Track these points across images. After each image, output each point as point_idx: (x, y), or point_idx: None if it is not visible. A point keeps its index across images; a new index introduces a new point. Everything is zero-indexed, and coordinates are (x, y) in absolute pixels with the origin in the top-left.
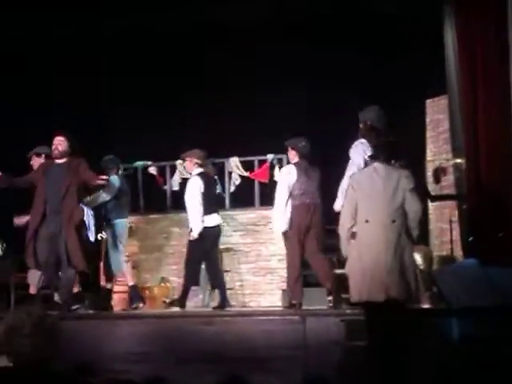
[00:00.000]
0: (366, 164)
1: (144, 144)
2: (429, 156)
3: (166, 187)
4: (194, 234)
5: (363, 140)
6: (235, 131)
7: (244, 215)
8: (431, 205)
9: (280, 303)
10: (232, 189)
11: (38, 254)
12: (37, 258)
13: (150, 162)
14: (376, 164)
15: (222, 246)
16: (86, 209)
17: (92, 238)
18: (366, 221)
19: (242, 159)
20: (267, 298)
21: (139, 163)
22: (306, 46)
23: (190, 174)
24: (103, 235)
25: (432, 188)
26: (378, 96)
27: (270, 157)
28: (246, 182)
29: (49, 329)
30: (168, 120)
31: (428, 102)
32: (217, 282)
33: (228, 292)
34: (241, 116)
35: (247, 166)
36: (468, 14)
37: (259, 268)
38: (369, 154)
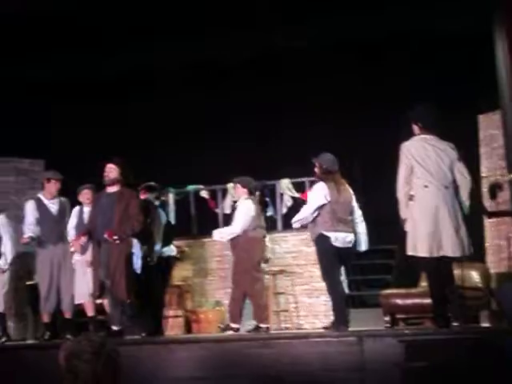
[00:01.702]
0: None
1: (196, 168)
2: (483, 172)
3: (218, 210)
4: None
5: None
6: (286, 153)
7: (296, 237)
8: (487, 221)
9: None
10: (284, 210)
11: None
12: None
13: (201, 186)
14: (425, 135)
15: (274, 268)
16: (134, 240)
17: (139, 271)
18: (425, 186)
19: (294, 180)
20: (322, 320)
21: (191, 187)
22: (354, 68)
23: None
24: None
25: (488, 204)
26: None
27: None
28: (298, 204)
29: (108, 355)
30: (219, 143)
31: (481, 117)
32: None
33: (282, 314)
34: (291, 138)
35: (299, 187)
36: None
37: (313, 289)
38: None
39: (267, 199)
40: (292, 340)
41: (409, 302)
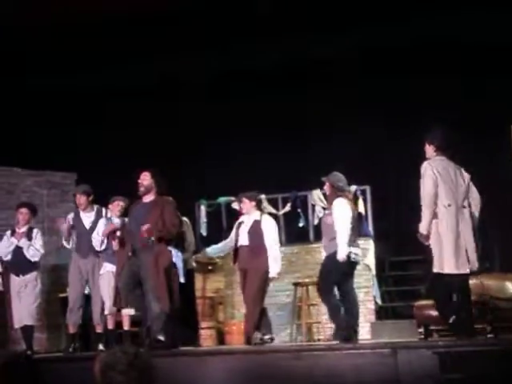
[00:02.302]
0: None
1: (227, 180)
2: None
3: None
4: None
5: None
6: (317, 163)
7: None
8: None
9: (369, 336)
10: (315, 221)
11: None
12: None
13: (233, 198)
14: (441, 156)
15: (307, 280)
16: (173, 250)
17: (182, 279)
18: (449, 205)
19: (325, 191)
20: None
21: (223, 199)
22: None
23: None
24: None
25: None
26: (463, 123)
27: (353, 188)
28: None
29: (143, 366)
30: (251, 155)
31: None
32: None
33: (315, 326)
34: (323, 148)
35: None
36: None
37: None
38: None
39: (299, 210)
40: (325, 352)
41: None
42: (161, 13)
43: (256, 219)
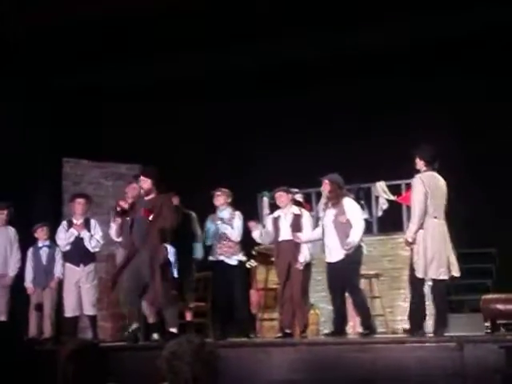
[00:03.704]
0: None
1: (290, 171)
2: None
3: (313, 213)
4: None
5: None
6: (381, 155)
7: (393, 240)
8: None
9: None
10: (379, 213)
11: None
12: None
13: (296, 190)
14: (430, 171)
15: (370, 272)
16: (168, 246)
17: (175, 274)
18: (435, 217)
19: (389, 183)
20: None
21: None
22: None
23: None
24: (252, 263)
25: None
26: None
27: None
28: (394, 206)
29: (208, 356)
30: (313, 147)
31: None
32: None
33: (378, 318)
34: (387, 139)
35: (394, 189)
36: None
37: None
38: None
39: (362, 202)
40: (389, 344)
41: (510, 307)
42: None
43: (295, 213)
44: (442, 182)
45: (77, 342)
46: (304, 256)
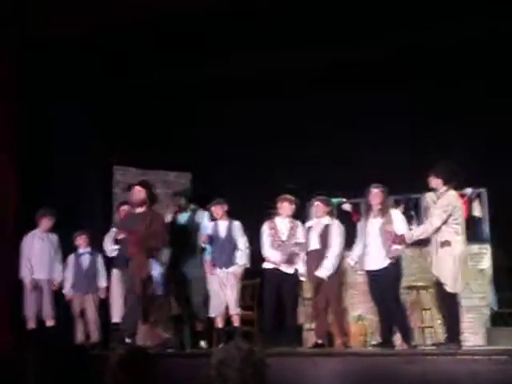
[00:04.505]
0: None
1: (339, 181)
2: None
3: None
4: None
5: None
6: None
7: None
8: None
9: (483, 342)
10: None
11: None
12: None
13: (344, 199)
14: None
15: (420, 283)
16: (154, 263)
17: (160, 292)
18: (457, 233)
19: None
20: (469, 337)
21: (334, 200)
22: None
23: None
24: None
25: None
26: None
27: (468, 191)
28: None
29: (256, 364)
30: (361, 156)
31: None
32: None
33: (427, 330)
34: (437, 149)
35: None
36: None
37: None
38: None
39: (412, 212)
40: (439, 356)
41: None
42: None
43: (326, 224)
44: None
45: (126, 348)
46: (325, 269)
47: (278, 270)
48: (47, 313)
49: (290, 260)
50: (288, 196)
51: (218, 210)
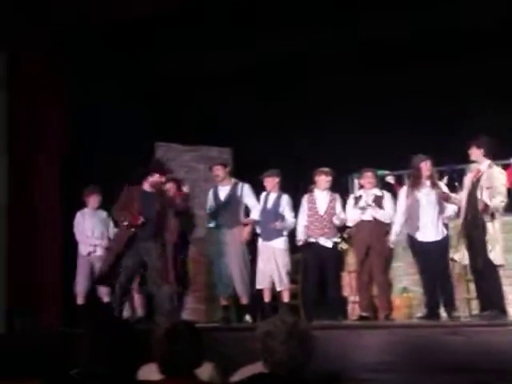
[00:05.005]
0: None
1: (383, 153)
2: None
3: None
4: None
5: None
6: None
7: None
8: None
9: None
10: None
11: None
12: None
13: (387, 172)
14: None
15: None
16: None
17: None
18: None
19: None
20: None
21: (379, 172)
22: None
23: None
24: (343, 246)
25: None
26: None
27: None
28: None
29: (302, 336)
30: (406, 127)
31: None
32: None
33: (473, 302)
34: (484, 117)
35: None
36: None
37: (505, 276)
38: None
39: (456, 184)
40: (484, 328)
41: None
42: None
43: (377, 194)
44: None
45: (172, 322)
46: (394, 233)
47: (318, 243)
48: (103, 289)
49: (329, 233)
50: (325, 169)
51: (270, 182)
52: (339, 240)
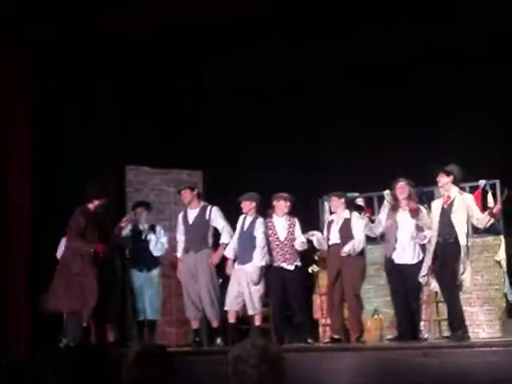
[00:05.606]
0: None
1: (351, 175)
2: None
3: (374, 218)
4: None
5: None
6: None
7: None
8: None
9: (499, 334)
10: None
11: None
12: None
13: (356, 194)
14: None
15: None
16: None
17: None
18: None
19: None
20: (485, 330)
21: (348, 195)
22: None
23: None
24: (314, 268)
25: None
26: None
27: (481, 183)
28: None
29: (273, 359)
30: (374, 149)
31: None
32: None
33: (443, 323)
34: (453, 141)
35: None
36: None
37: (475, 298)
38: None
39: (425, 206)
40: (455, 349)
41: None
42: None
43: (346, 217)
44: None
45: (143, 345)
46: (351, 245)
47: (281, 267)
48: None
49: (290, 258)
50: (283, 194)
51: (246, 205)
52: (300, 264)
